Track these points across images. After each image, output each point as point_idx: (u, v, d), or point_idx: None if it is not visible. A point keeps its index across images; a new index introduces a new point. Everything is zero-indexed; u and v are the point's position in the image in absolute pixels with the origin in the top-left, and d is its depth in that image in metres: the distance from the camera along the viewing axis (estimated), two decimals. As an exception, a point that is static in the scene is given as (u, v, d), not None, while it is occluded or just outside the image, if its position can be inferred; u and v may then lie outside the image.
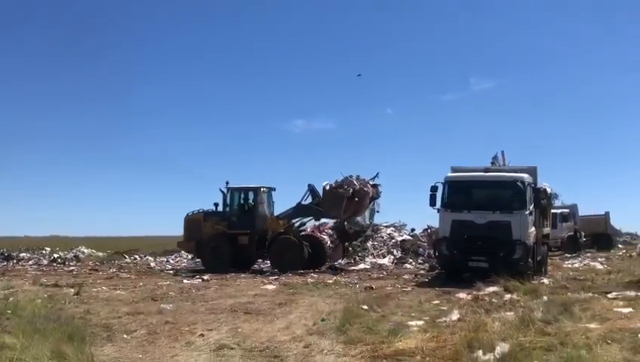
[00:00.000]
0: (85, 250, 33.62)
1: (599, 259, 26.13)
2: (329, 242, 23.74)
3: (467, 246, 16.41)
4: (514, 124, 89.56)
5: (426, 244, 26.42)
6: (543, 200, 17.73)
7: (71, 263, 27.59)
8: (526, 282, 14.04)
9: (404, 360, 6.90)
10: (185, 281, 17.70)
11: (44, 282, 17.32)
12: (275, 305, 11.83)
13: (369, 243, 26.47)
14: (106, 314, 10.92)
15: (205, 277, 18.52)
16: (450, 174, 17.71)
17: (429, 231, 29.48)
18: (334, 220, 23.55)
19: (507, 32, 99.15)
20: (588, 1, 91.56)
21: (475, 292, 13.07)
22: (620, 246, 38.87)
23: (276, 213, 22.97)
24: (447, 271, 17.55)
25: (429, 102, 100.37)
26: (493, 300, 11.76)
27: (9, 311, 9.61)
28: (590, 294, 12.27)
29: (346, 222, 22.73)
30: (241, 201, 22.97)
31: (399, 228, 28.98)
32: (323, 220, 24.33)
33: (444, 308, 11.09)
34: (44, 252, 32.63)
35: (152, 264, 26.91)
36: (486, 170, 17.97)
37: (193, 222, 23.04)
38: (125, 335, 8.82)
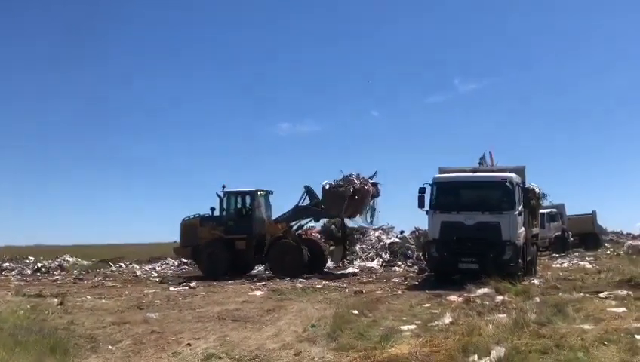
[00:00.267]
0: (70, 259, 33.08)
1: (587, 259, 26.20)
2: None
3: (457, 247, 16.30)
4: (500, 125, 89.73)
5: (414, 246, 26.32)
6: (532, 200, 17.71)
7: (55, 272, 27.16)
8: (517, 283, 13.95)
9: (398, 366, 6.73)
10: (171, 289, 17.41)
11: (27, 292, 16.92)
12: (263, 311, 11.62)
13: (357, 247, 26.29)
14: (91, 324, 10.66)
15: (192, 284, 18.26)
16: (438, 175, 17.59)
17: (416, 233, 29.42)
18: (334, 219, 23.37)
19: (490, 32, 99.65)
20: (572, 1, 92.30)
21: (466, 294, 12.94)
22: (606, 245, 39.04)
23: (273, 216, 22.68)
24: (437, 273, 17.45)
25: (414, 104, 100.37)
26: (485, 302, 11.63)
27: (-11, 324, 9.33)
28: (582, 294, 12.21)
29: (341, 222, 22.45)
30: (238, 205, 22.67)
31: (387, 230, 28.81)
32: (310, 223, 24.07)
33: (436, 311, 10.96)
34: (27, 261, 32.09)
35: (138, 272, 26.50)
36: (474, 171, 17.92)
37: (189, 227, 22.69)
38: (110, 346, 8.57)
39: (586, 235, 37.45)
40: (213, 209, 22.41)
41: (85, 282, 21.67)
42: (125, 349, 8.39)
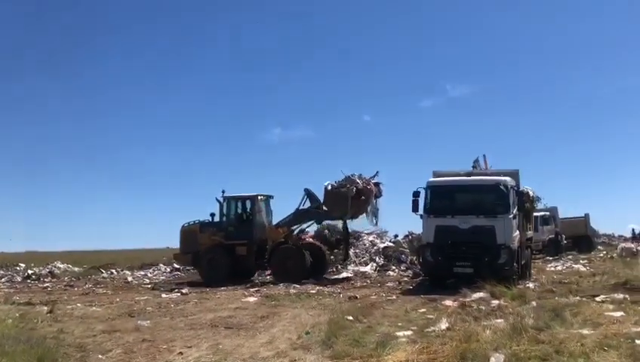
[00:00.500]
0: (61, 266, 32.72)
1: (581, 262, 26.21)
2: None
3: (451, 251, 16.19)
4: (491, 129, 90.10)
5: (408, 251, 26.19)
6: (526, 203, 17.63)
7: (46, 279, 26.81)
8: (512, 287, 13.86)
9: (395, 374, 6.58)
10: (163, 296, 17.20)
11: (16, 300, 16.67)
12: (257, 318, 11.44)
13: (351, 251, 26.11)
14: (81, 332, 10.42)
15: (184, 291, 18.05)
16: (432, 179, 17.47)
17: (410, 237, 29.30)
18: (327, 224, 23.18)
19: (482, 37, 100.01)
20: (561, 6, 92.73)
21: (461, 299, 12.82)
22: (599, 247, 39.11)
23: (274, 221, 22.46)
24: (432, 277, 17.31)
25: (406, 108, 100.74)
26: (481, 307, 11.50)
27: (-24, 334, 9.10)
28: (578, 298, 12.11)
29: (344, 223, 22.25)
30: (238, 211, 22.47)
31: (381, 234, 28.66)
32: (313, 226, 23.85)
33: (432, 316, 10.81)
34: (18, 268, 31.75)
35: (130, 278, 26.21)
36: (469, 174, 17.82)
37: (189, 233, 22.46)
38: (100, 356, 8.35)
39: (579, 238, 37.54)
40: (213, 215, 22.21)
41: (76, 289, 21.41)
42: (115, 358, 8.19)
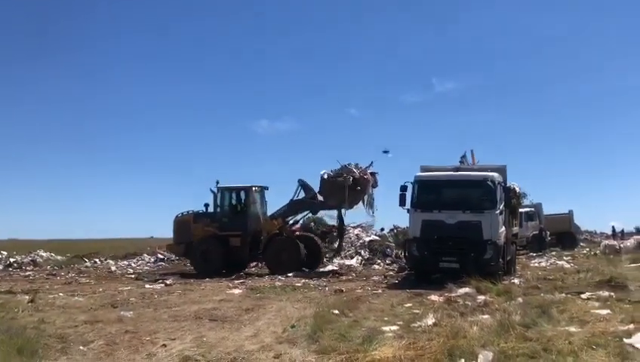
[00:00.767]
0: (44, 254, 32.34)
1: (565, 258, 26.30)
2: None
3: (438, 246, 16.15)
4: (477, 124, 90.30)
5: (393, 245, 26.19)
6: (512, 199, 17.63)
7: (28, 268, 26.55)
8: (497, 282, 13.83)
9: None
10: (147, 286, 17.07)
11: (-4, 289, 16.46)
12: (241, 310, 11.31)
13: (336, 244, 26.04)
14: (62, 322, 10.24)
15: (168, 282, 17.92)
16: (419, 173, 17.40)
17: (395, 231, 29.34)
18: (313, 216, 23.09)
19: (467, 32, 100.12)
20: (548, 2, 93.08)
21: (447, 294, 12.79)
22: (582, 244, 39.39)
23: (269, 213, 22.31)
24: (418, 272, 17.28)
25: (391, 102, 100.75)
26: (467, 302, 11.48)
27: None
28: (564, 295, 12.11)
29: (339, 213, 22.13)
30: (233, 202, 22.32)
31: (367, 228, 28.64)
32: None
33: (417, 311, 10.76)
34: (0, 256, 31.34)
35: (113, 268, 25.99)
36: (456, 169, 17.77)
37: (183, 223, 22.27)
38: (82, 347, 8.19)
39: (563, 234, 37.78)
40: (207, 205, 22.09)
41: (58, 278, 21.23)
42: (97, 350, 8.03)
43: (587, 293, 12.33)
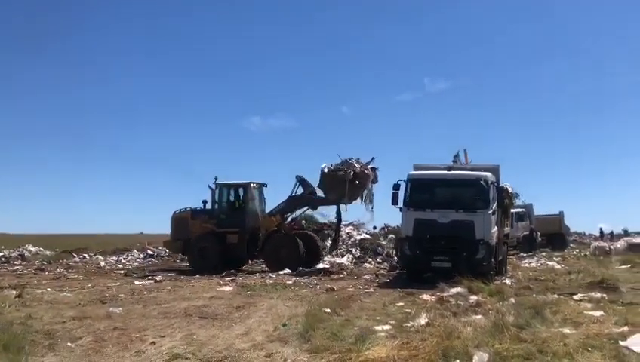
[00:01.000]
0: (32, 249, 32.09)
1: (555, 259, 26.37)
2: None
3: (430, 245, 16.10)
4: (468, 125, 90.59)
5: (384, 243, 26.16)
6: (505, 199, 17.59)
7: (15, 262, 26.30)
8: (489, 282, 13.78)
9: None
10: (136, 282, 16.89)
11: (-17, 283, 16.25)
12: (232, 308, 11.18)
13: (327, 242, 25.94)
14: (50, 318, 10.07)
15: (158, 278, 17.74)
16: (413, 172, 17.33)
17: (386, 229, 29.32)
18: (304, 213, 22.98)
19: (460, 32, 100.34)
20: (538, 3, 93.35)
21: (439, 294, 12.70)
22: (572, 245, 39.58)
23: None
24: (409, 271, 17.21)
25: (384, 101, 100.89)
26: (459, 302, 11.40)
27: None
28: (556, 296, 12.07)
29: (337, 208, 21.85)
30: (231, 198, 22.15)
31: (358, 226, 28.57)
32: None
33: (409, 310, 10.67)
34: (-13, 250, 31.05)
35: (102, 263, 25.79)
36: (449, 169, 17.72)
37: (180, 220, 22.12)
38: (70, 343, 8.03)
39: (553, 235, 37.94)
40: (205, 202, 21.98)
41: (47, 273, 21.02)
42: (85, 347, 7.88)
43: (579, 294, 12.29)
